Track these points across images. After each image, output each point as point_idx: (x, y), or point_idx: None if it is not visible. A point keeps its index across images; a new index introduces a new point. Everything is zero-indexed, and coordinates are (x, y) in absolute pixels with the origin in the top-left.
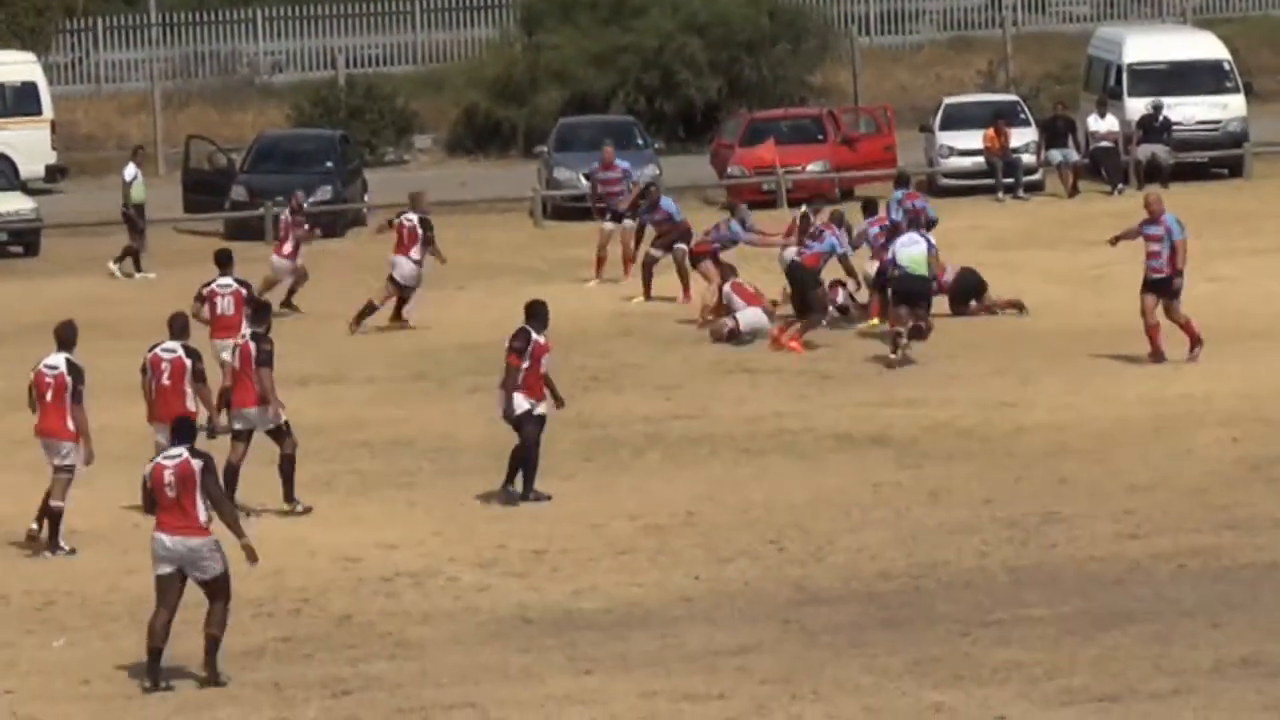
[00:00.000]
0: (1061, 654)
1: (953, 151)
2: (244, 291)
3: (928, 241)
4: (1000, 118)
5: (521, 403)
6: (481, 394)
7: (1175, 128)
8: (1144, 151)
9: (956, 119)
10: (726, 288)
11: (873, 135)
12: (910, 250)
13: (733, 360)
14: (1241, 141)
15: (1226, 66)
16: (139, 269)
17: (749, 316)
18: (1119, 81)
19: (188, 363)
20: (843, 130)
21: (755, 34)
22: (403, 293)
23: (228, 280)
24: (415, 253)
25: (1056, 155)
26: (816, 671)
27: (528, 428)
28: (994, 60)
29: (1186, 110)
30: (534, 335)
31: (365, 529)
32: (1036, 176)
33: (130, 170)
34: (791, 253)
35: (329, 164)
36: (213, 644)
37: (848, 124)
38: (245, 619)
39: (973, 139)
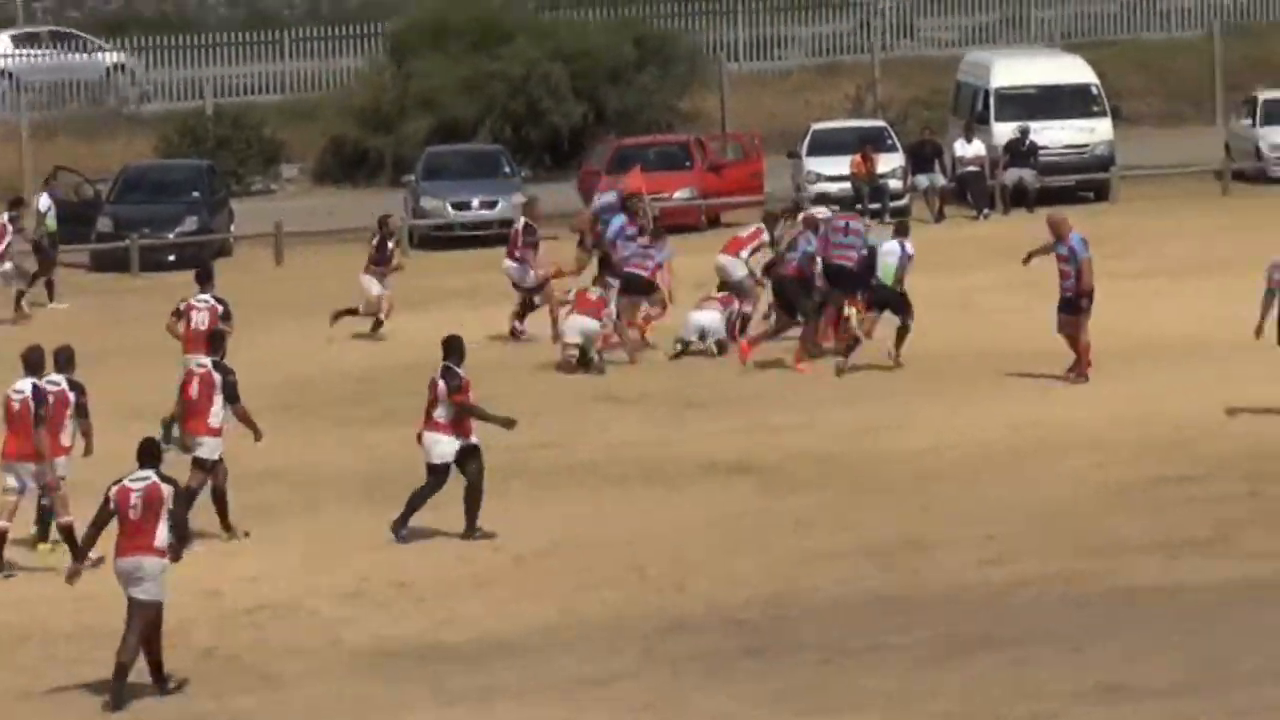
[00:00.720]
0: (924, 681)
1: (820, 177)
2: (220, 309)
3: (903, 251)
4: (867, 143)
5: (450, 445)
6: (349, 426)
7: (1042, 152)
8: (1011, 176)
9: (824, 145)
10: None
11: (740, 162)
12: (885, 260)
13: (597, 388)
14: (1108, 165)
15: (1094, 90)
16: (51, 299)
17: (571, 324)
18: (986, 106)
19: (71, 396)
20: (710, 157)
21: (620, 61)
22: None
23: (205, 296)
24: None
25: (923, 180)
26: (681, 700)
27: (437, 478)
28: (861, 86)
29: (1053, 134)
30: (460, 372)
31: (229, 561)
32: (903, 202)
33: (44, 200)
34: (724, 259)
35: (196, 194)
36: (122, 670)
37: (715, 151)
38: (108, 653)
39: (840, 164)
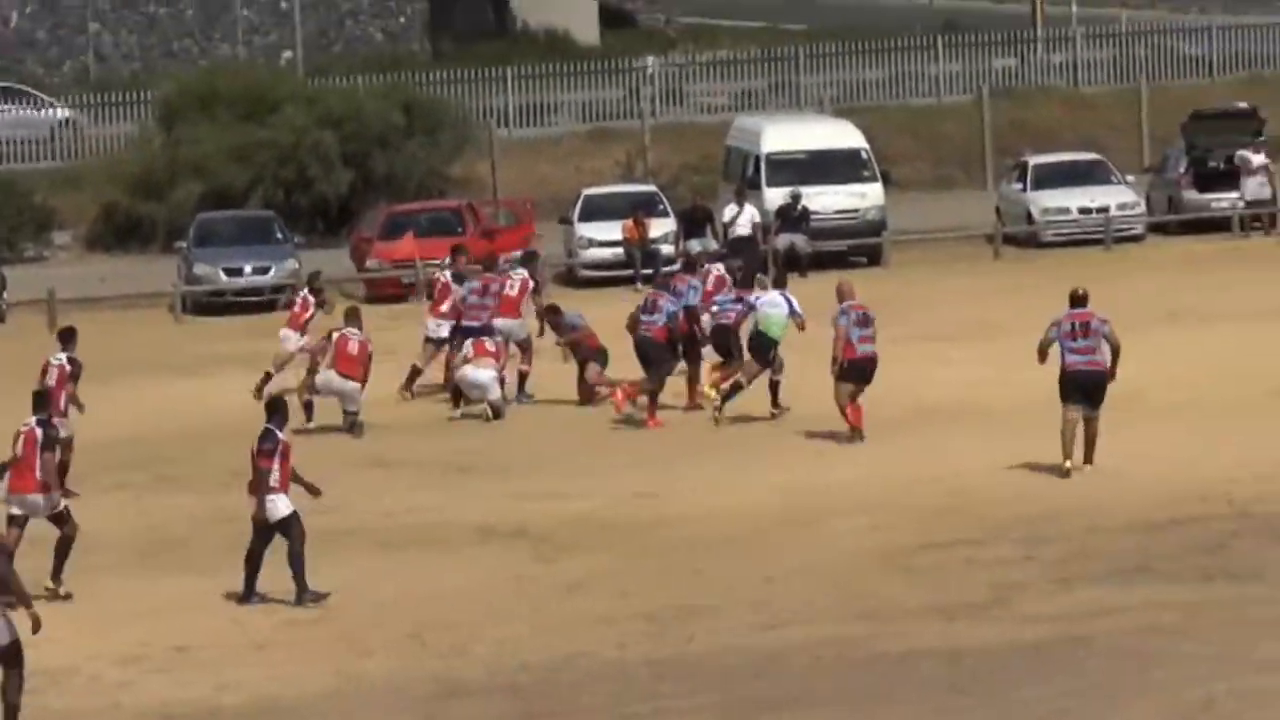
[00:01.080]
0: None
1: (592, 243)
2: (69, 368)
3: (790, 306)
4: (639, 208)
5: (283, 506)
6: (123, 491)
7: (814, 217)
8: (782, 241)
9: (596, 210)
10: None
11: (512, 227)
12: (769, 311)
13: (370, 453)
14: (880, 230)
15: (864, 155)
16: None
17: (324, 380)
18: (757, 171)
19: None
20: (482, 222)
21: (388, 128)
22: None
23: (61, 355)
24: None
25: (695, 245)
26: None
27: (294, 529)
28: (632, 151)
29: (825, 199)
30: (279, 434)
31: None
32: (675, 267)
33: None
34: (503, 323)
35: None
36: (12, 711)
37: (487, 216)
38: None
39: (612, 230)
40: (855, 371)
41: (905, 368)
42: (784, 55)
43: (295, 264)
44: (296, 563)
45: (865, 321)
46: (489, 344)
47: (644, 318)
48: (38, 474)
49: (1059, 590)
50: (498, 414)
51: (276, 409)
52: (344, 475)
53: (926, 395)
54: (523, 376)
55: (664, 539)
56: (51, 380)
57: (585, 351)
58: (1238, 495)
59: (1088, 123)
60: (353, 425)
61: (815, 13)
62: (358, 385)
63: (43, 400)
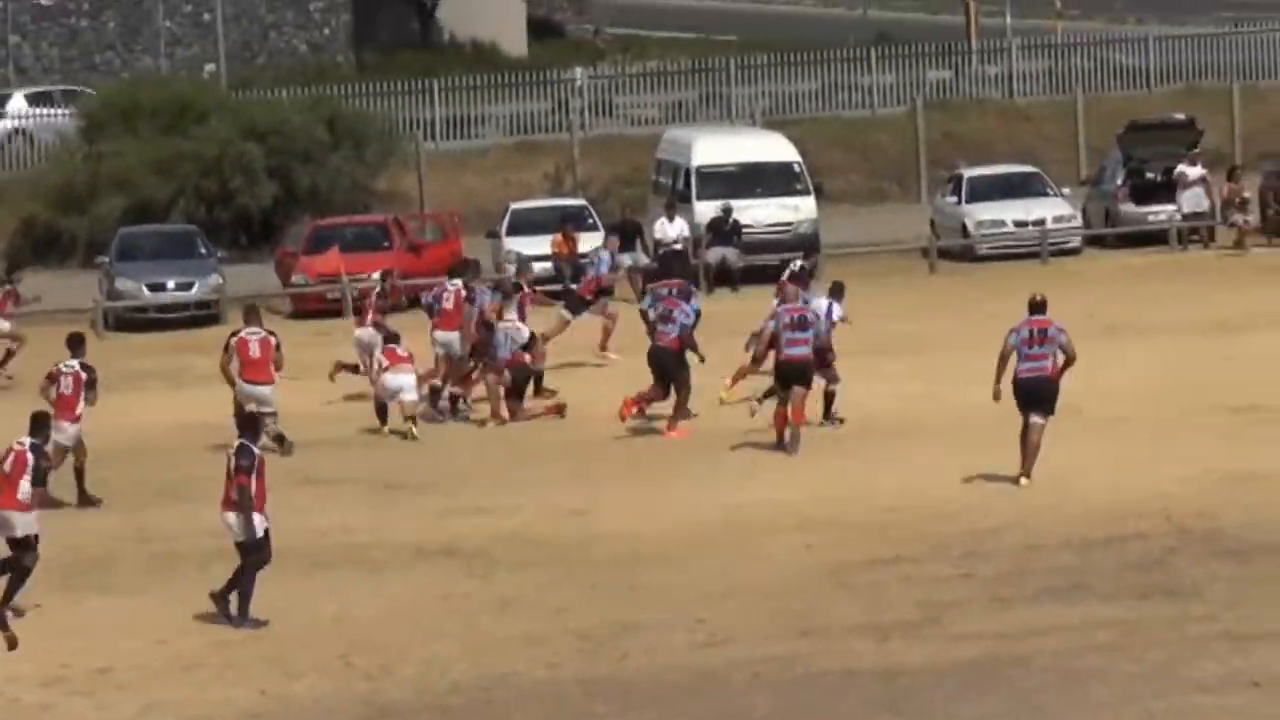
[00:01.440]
0: None
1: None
2: (84, 375)
3: (829, 312)
4: (568, 222)
5: (261, 522)
6: (45, 509)
7: (745, 230)
8: (714, 255)
9: (524, 224)
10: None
11: (439, 242)
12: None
13: (300, 471)
14: (813, 244)
15: (797, 168)
16: None
17: (244, 390)
18: (688, 184)
19: None
20: (409, 237)
21: (312, 141)
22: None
23: (73, 362)
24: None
25: (625, 259)
26: None
27: (264, 550)
28: (561, 164)
29: (757, 213)
30: (255, 449)
31: None
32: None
33: None
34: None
35: None
36: None
37: (414, 230)
38: None
39: (540, 244)
40: (783, 372)
41: (841, 382)
42: (715, 67)
43: (219, 279)
44: (244, 583)
45: (800, 325)
46: (400, 350)
47: (661, 327)
48: (19, 494)
49: (996, 608)
50: (413, 421)
51: (250, 425)
52: (276, 492)
53: (863, 410)
54: (454, 399)
55: (597, 556)
56: (67, 388)
57: (514, 370)
58: (1176, 511)
59: (1023, 134)
60: (280, 439)
61: (746, 24)
62: (269, 389)
63: (40, 423)
